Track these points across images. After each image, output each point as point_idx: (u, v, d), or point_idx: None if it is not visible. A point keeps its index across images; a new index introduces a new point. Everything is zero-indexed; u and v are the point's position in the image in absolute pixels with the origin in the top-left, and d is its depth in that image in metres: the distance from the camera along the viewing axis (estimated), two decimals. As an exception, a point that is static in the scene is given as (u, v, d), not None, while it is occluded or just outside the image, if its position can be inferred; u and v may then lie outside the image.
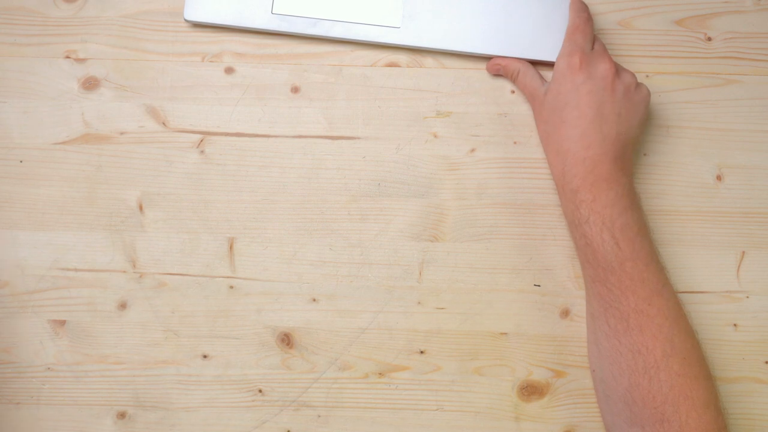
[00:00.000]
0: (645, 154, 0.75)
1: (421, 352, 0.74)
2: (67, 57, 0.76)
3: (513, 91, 0.76)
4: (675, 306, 0.66)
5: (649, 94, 0.70)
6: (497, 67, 0.75)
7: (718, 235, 0.75)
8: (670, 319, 0.64)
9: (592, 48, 0.70)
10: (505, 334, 0.74)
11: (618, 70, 0.69)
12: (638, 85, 0.69)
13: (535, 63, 0.75)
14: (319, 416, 0.74)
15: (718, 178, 0.75)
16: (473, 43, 0.75)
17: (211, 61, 0.76)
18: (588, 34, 0.70)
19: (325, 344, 0.74)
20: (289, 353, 0.74)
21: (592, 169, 0.67)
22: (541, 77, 0.73)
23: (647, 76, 0.76)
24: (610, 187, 0.67)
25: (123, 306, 0.75)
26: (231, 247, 0.75)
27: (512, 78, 0.74)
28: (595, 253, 0.66)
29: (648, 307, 0.64)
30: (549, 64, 0.75)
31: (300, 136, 0.76)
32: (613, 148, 0.67)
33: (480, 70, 0.76)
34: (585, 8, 0.71)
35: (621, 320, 0.65)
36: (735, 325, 0.74)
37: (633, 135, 0.69)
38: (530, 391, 0.73)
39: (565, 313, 0.74)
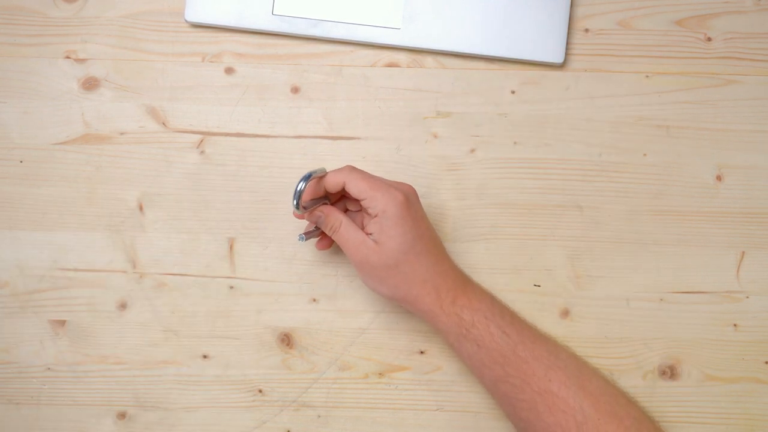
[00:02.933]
0: (645, 154, 0.75)
1: (421, 352, 0.74)
2: (67, 57, 0.76)
3: (513, 92, 0.76)
4: (574, 370, 0.66)
5: (411, 187, 0.69)
6: (317, 216, 0.69)
7: (718, 235, 0.75)
8: (573, 387, 0.65)
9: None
10: (505, 334, 0.74)
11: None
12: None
13: (535, 63, 0.75)
14: (319, 416, 0.74)
15: (718, 178, 0.75)
16: (473, 43, 0.75)
17: (211, 62, 0.76)
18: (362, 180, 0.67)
19: (325, 344, 0.74)
20: (289, 353, 0.74)
21: (455, 277, 0.68)
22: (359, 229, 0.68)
23: (647, 76, 0.76)
24: (472, 284, 0.69)
25: (123, 306, 0.75)
26: (231, 247, 0.75)
27: (331, 231, 0.68)
28: (490, 351, 0.66)
29: (549, 384, 0.64)
30: (549, 65, 0.75)
31: (300, 136, 0.76)
32: (443, 251, 0.69)
33: (480, 70, 0.76)
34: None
35: (531, 410, 0.65)
36: (735, 325, 0.74)
37: (423, 224, 0.69)
38: (530, 391, 0.73)
39: (565, 313, 0.74)
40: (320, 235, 0.70)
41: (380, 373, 0.74)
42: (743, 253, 0.74)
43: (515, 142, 0.75)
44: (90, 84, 0.76)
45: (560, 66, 0.75)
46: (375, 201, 0.65)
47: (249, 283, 0.74)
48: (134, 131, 0.76)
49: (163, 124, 0.76)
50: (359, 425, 0.74)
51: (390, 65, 0.76)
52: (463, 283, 0.68)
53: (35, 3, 0.77)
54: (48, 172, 0.76)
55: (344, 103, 0.76)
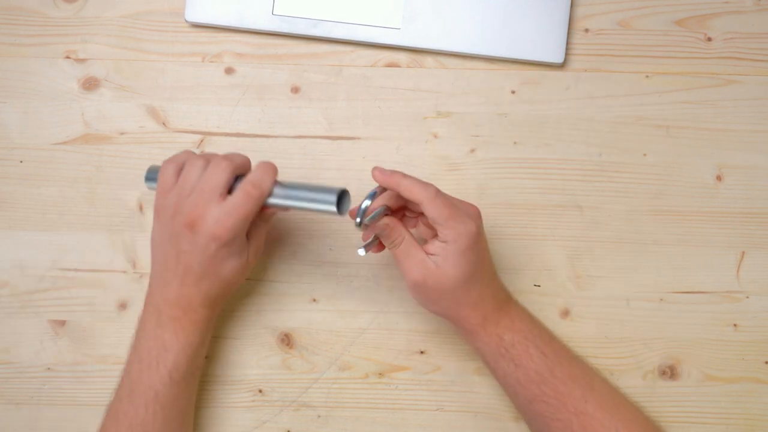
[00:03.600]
0: (645, 154, 0.75)
1: (421, 352, 0.74)
2: (67, 57, 0.76)
3: (513, 92, 0.76)
4: (609, 394, 0.67)
5: (478, 211, 0.67)
6: (381, 228, 0.66)
7: (718, 235, 0.75)
8: (610, 410, 0.65)
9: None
10: (505, 334, 0.74)
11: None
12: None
13: (535, 63, 0.75)
14: (319, 416, 0.74)
15: (718, 178, 0.75)
16: (473, 43, 0.75)
17: (211, 62, 0.76)
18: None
19: (325, 344, 0.74)
20: (289, 353, 0.74)
21: (501, 297, 0.68)
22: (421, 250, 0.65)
23: (647, 76, 0.76)
24: (515, 304, 0.68)
25: (123, 306, 0.75)
26: (231, 247, 0.75)
27: (392, 245, 0.66)
28: (527, 371, 0.65)
29: (586, 405, 0.64)
30: (549, 65, 0.75)
31: (300, 136, 0.76)
32: (494, 270, 0.68)
33: (480, 70, 0.76)
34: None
35: (565, 430, 0.65)
36: (735, 325, 0.74)
37: (486, 250, 0.68)
38: (530, 391, 0.73)
39: (565, 313, 0.74)
40: (379, 245, 0.67)
41: (380, 373, 0.74)
42: (743, 253, 0.74)
43: (515, 142, 0.75)
44: (90, 84, 0.76)
45: (560, 66, 0.75)
46: (448, 230, 0.63)
47: (249, 283, 0.74)
48: (134, 131, 0.76)
49: (163, 124, 0.76)
50: (359, 425, 0.74)
51: (390, 65, 0.76)
52: (507, 302, 0.68)
53: (35, 3, 0.77)
54: (48, 172, 0.76)
55: (344, 103, 0.76)
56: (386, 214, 0.66)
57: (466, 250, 0.63)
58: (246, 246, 0.66)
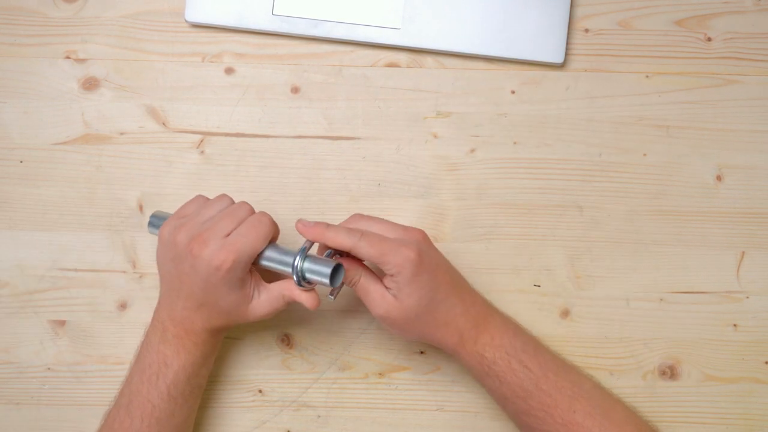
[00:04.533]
0: (645, 154, 0.75)
1: (421, 352, 0.74)
2: (67, 57, 0.76)
3: (513, 92, 0.76)
4: (600, 399, 0.66)
5: (420, 234, 0.67)
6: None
7: (718, 235, 0.75)
8: (598, 417, 0.65)
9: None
10: (505, 334, 0.74)
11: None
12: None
13: (535, 63, 0.75)
14: (319, 416, 0.74)
15: (718, 178, 0.75)
16: (473, 43, 0.75)
17: (211, 62, 0.76)
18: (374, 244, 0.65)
19: (325, 344, 0.74)
20: (289, 353, 0.74)
21: (477, 312, 0.67)
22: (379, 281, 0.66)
23: (647, 76, 0.76)
24: (494, 317, 0.68)
25: (123, 306, 0.75)
26: (231, 247, 0.75)
27: (351, 284, 0.66)
28: (511, 386, 0.65)
29: (574, 415, 0.64)
30: (549, 65, 0.75)
31: (300, 137, 0.76)
32: (463, 285, 0.68)
33: (480, 70, 0.76)
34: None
35: None
36: (735, 325, 0.74)
37: (440, 269, 0.67)
38: (530, 391, 0.73)
39: (565, 313, 0.74)
40: (310, 293, 0.67)
41: (380, 373, 0.74)
42: (743, 253, 0.74)
43: (515, 142, 0.75)
44: (90, 84, 0.76)
45: (560, 66, 0.75)
46: (388, 265, 0.64)
47: (249, 283, 0.74)
48: (134, 131, 0.76)
49: (163, 124, 0.76)
50: (359, 425, 0.74)
51: (390, 65, 0.76)
52: (486, 316, 0.67)
53: (35, 3, 0.77)
54: (48, 172, 0.76)
55: (344, 103, 0.76)
56: (336, 255, 0.66)
57: (414, 277, 0.64)
58: (248, 286, 0.65)
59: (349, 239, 0.64)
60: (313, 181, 0.75)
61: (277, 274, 0.66)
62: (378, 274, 0.66)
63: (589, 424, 0.64)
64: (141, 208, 0.75)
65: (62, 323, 0.75)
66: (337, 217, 0.74)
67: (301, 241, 0.65)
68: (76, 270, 0.75)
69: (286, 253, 0.65)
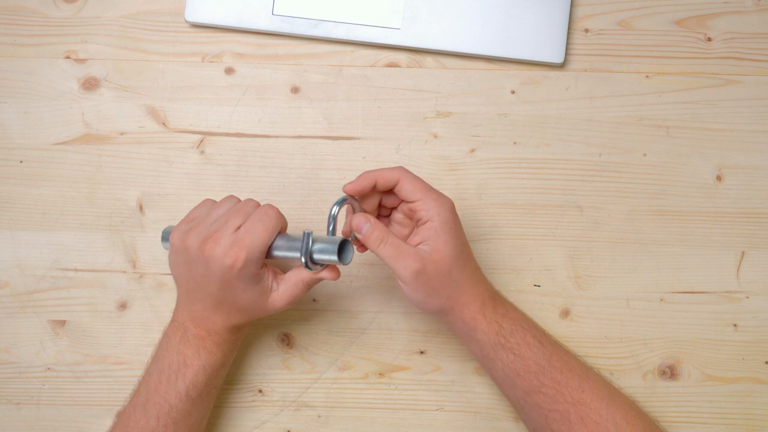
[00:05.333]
0: (645, 154, 0.75)
1: (421, 352, 0.74)
2: (67, 57, 0.76)
3: (513, 92, 0.76)
4: (604, 384, 0.67)
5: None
6: (360, 226, 0.65)
7: (718, 235, 0.75)
8: (606, 399, 0.65)
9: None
10: (505, 334, 0.74)
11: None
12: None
13: (535, 63, 0.75)
14: (319, 416, 0.74)
15: (718, 178, 0.75)
16: (473, 43, 0.75)
17: (211, 62, 0.76)
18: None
19: (325, 344, 0.74)
20: (289, 353, 0.74)
21: (488, 284, 0.68)
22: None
23: (647, 76, 0.76)
24: (501, 294, 0.68)
25: (123, 306, 0.75)
26: (231, 247, 0.75)
27: (377, 243, 0.64)
28: (526, 361, 0.65)
29: (582, 395, 0.65)
30: (549, 65, 0.75)
31: (300, 136, 0.76)
32: (474, 262, 0.68)
33: (480, 70, 0.76)
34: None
35: (563, 421, 0.65)
36: (735, 325, 0.74)
37: (464, 234, 0.68)
38: (530, 391, 0.73)
39: (565, 313, 0.74)
40: (327, 267, 0.66)
41: (380, 373, 0.74)
42: (743, 253, 0.74)
43: (515, 142, 0.75)
44: (90, 84, 0.76)
45: (560, 66, 0.75)
46: (430, 202, 0.64)
47: (249, 283, 0.74)
48: (134, 131, 0.76)
49: (163, 124, 0.76)
50: (359, 425, 0.74)
51: (390, 65, 0.76)
52: (497, 293, 0.68)
53: (35, 3, 0.77)
54: (48, 172, 0.76)
55: (344, 103, 0.76)
56: (350, 207, 0.66)
57: (452, 223, 0.64)
58: (265, 279, 0.65)
59: (397, 171, 0.65)
60: (313, 181, 0.75)
61: (291, 264, 0.66)
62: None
63: (597, 405, 0.64)
64: (141, 208, 0.75)
65: (62, 323, 0.75)
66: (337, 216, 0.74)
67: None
68: (76, 270, 0.75)
69: (295, 239, 0.65)
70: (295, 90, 0.76)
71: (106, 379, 0.74)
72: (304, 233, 0.64)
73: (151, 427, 0.65)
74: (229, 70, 0.76)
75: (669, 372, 0.74)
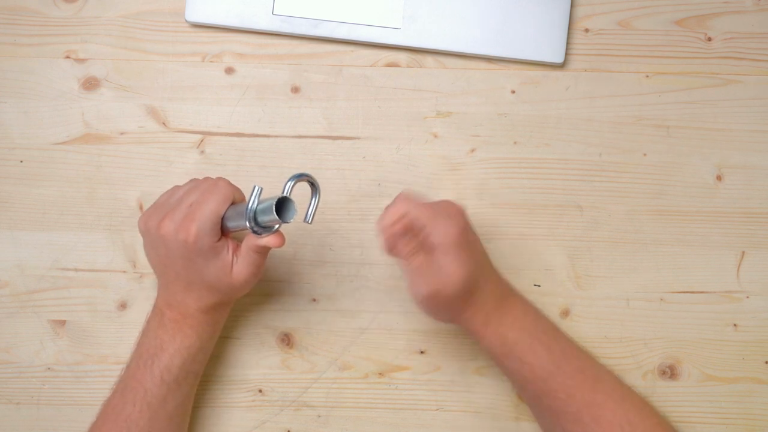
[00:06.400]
0: (645, 154, 0.75)
1: (421, 352, 0.74)
2: (67, 57, 0.76)
3: (513, 91, 0.76)
4: (618, 384, 0.67)
5: (461, 207, 0.67)
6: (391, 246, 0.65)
7: (718, 235, 0.75)
8: (620, 399, 0.65)
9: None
10: (505, 334, 0.74)
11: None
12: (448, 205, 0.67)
13: (535, 63, 0.75)
14: (319, 416, 0.74)
15: (718, 178, 0.75)
16: (473, 43, 0.75)
17: (211, 62, 0.76)
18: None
19: (325, 344, 0.74)
20: (289, 353, 0.74)
21: (501, 293, 0.67)
22: None
23: (647, 76, 0.76)
24: (517, 300, 0.68)
25: (123, 306, 0.75)
26: (231, 247, 0.75)
27: (408, 257, 0.65)
28: (533, 368, 0.65)
29: (595, 396, 0.65)
30: (549, 65, 0.75)
31: (300, 136, 0.76)
32: (490, 264, 0.67)
33: (480, 70, 0.76)
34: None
35: (576, 422, 0.64)
36: (735, 325, 0.74)
37: (478, 244, 0.68)
38: (530, 391, 0.73)
39: (565, 313, 0.74)
40: (272, 234, 0.64)
41: (380, 373, 0.74)
42: (743, 253, 0.74)
43: (515, 142, 0.75)
44: (90, 84, 0.76)
45: (560, 66, 0.75)
46: (437, 229, 0.63)
47: (249, 283, 0.74)
48: (134, 131, 0.76)
49: (163, 124, 0.76)
50: (359, 425, 0.74)
51: (390, 65, 0.76)
52: (507, 298, 0.67)
53: (35, 3, 0.77)
54: (48, 172, 0.76)
55: (344, 103, 0.76)
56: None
57: (461, 243, 0.63)
58: (224, 253, 0.65)
59: (401, 205, 0.64)
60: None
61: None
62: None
63: (611, 405, 0.64)
64: (141, 208, 0.75)
65: (62, 323, 0.75)
66: (337, 216, 0.75)
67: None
68: (76, 270, 0.75)
69: (243, 206, 0.63)
70: (295, 90, 0.76)
71: (106, 379, 0.74)
72: (253, 187, 0.62)
73: (128, 411, 0.65)
74: (229, 70, 0.76)
75: (669, 372, 0.74)
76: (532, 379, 0.65)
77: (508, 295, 0.68)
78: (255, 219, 0.62)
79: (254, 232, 0.62)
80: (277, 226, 0.63)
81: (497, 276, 0.68)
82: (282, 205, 0.60)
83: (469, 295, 0.64)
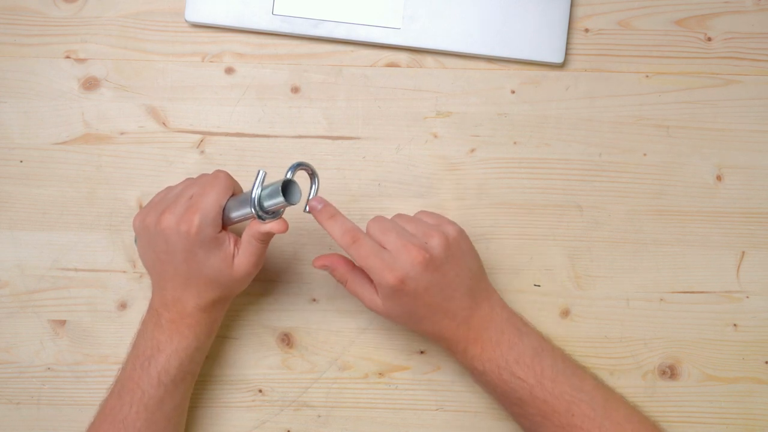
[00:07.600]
0: (645, 154, 0.75)
1: (421, 352, 0.74)
2: (67, 57, 0.76)
3: (513, 91, 0.76)
4: (599, 401, 0.65)
5: (460, 230, 0.67)
6: (323, 265, 0.68)
7: (718, 235, 0.75)
8: (598, 419, 0.64)
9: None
10: (505, 334, 0.74)
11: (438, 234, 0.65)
12: (451, 229, 0.67)
13: (535, 63, 0.75)
14: (319, 416, 0.74)
15: (718, 178, 0.75)
16: (473, 43, 0.75)
17: (211, 62, 0.76)
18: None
19: (325, 344, 0.74)
20: (289, 353, 0.74)
21: (467, 328, 0.66)
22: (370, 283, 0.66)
23: (647, 76, 0.76)
24: (490, 331, 0.66)
25: (123, 306, 0.75)
26: (231, 247, 0.75)
27: (341, 281, 0.68)
28: (504, 394, 0.66)
29: (572, 419, 0.64)
30: (549, 65, 0.75)
31: (300, 136, 0.76)
32: (459, 299, 0.66)
33: (480, 70, 0.76)
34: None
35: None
36: (735, 325, 0.74)
37: (475, 265, 0.68)
38: (530, 391, 0.73)
39: (565, 313, 0.74)
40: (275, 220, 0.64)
41: (380, 373, 0.74)
42: (743, 253, 0.74)
43: (515, 142, 0.75)
44: (90, 84, 0.76)
45: (560, 66, 0.75)
46: (372, 277, 0.64)
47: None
48: (134, 131, 0.76)
49: (163, 124, 0.76)
50: (359, 425, 0.74)
51: (390, 65, 0.76)
52: (481, 330, 0.66)
53: (35, 3, 0.77)
54: (48, 172, 0.76)
55: (344, 103, 0.76)
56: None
57: (392, 296, 0.64)
58: (226, 244, 0.65)
59: (343, 239, 0.64)
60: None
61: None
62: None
63: (588, 426, 0.64)
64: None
65: (62, 323, 0.75)
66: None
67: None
68: (76, 270, 0.75)
69: (247, 198, 0.64)
70: (295, 90, 0.76)
71: (106, 379, 0.74)
72: (257, 172, 0.63)
73: (125, 413, 0.66)
74: (229, 70, 0.76)
75: (669, 372, 0.74)
76: (505, 403, 0.68)
77: (480, 328, 0.66)
78: (260, 204, 0.63)
79: (259, 217, 0.63)
80: (281, 210, 0.64)
81: (471, 309, 0.66)
82: (287, 188, 0.62)
83: (415, 327, 0.68)
